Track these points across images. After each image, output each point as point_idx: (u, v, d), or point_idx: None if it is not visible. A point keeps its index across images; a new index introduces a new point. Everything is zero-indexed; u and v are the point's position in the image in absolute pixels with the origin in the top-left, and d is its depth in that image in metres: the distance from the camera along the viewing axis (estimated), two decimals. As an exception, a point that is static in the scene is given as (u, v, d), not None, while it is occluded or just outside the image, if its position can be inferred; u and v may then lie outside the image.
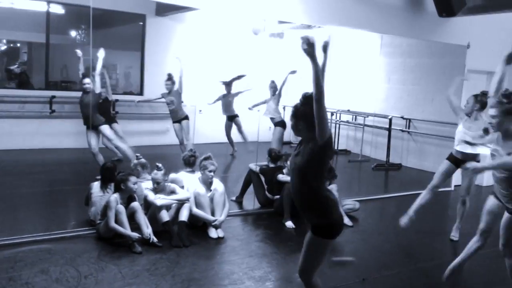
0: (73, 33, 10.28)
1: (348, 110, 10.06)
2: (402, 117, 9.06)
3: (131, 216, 4.33)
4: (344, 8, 5.93)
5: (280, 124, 8.27)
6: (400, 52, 9.30)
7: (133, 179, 4.41)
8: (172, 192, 4.68)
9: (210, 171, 4.83)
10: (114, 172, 4.62)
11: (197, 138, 9.84)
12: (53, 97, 8.24)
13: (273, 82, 8.38)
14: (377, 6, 6.14)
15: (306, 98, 2.61)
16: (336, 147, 10.22)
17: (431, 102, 8.73)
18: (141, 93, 9.47)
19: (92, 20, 5.60)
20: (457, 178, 7.34)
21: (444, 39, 6.97)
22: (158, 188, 4.62)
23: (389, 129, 9.02)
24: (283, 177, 5.50)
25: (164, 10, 8.92)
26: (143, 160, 5.08)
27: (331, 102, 10.33)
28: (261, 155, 6.04)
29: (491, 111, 3.39)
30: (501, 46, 7.88)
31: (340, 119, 10.27)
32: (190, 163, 5.22)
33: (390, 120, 8.99)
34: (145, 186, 4.75)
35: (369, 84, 9.98)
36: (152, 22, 9.34)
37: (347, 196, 6.04)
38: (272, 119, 8.31)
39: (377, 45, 9.74)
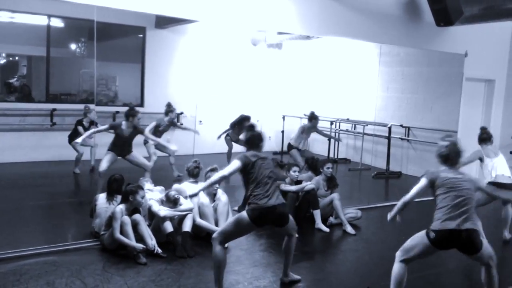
0: (73, 46, 10.36)
1: (348, 119, 10.11)
2: (401, 125, 9.12)
3: (134, 228, 4.35)
4: (342, 19, 6.01)
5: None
6: (399, 61, 9.39)
7: (141, 192, 4.43)
8: (177, 204, 4.70)
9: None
10: (122, 184, 4.64)
11: (197, 149, 9.87)
12: (54, 109, 8.28)
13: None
14: (375, 16, 6.23)
15: None
16: (336, 156, 10.26)
17: (430, 110, 8.80)
18: (141, 105, 9.51)
19: (93, 34, 5.65)
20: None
21: (442, 48, 7.06)
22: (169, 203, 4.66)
23: (388, 138, 9.07)
24: (285, 186, 5.52)
25: (164, 23, 9.00)
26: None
27: (330, 111, 10.42)
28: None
29: None
30: (498, 54, 8.02)
31: (339, 128, 10.32)
32: (194, 174, 5.24)
33: (390, 128, 9.05)
34: (149, 197, 4.77)
35: (368, 93, 10.04)
36: (152, 35, 9.42)
37: (348, 205, 6.07)
38: None
39: (376, 54, 9.83)
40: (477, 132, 5.94)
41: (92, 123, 7.62)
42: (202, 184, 4.96)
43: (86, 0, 4.25)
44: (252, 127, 5.81)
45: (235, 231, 3.68)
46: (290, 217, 3.84)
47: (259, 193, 3.58)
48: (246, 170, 3.65)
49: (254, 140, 3.86)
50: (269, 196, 3.59)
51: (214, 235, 3.69)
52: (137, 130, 6.12)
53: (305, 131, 7.96)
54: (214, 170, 4.92)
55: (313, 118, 7.99)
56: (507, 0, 5.98)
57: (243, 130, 9.19)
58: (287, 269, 4.00)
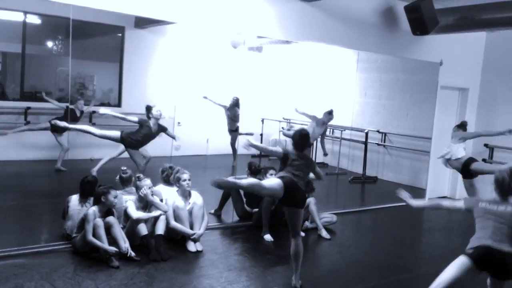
0: (49, 44, 10.17)
1: (326, 124, 10.19)
2: (378, 131, 9.24)
3: (107, 230, 4.28)
4: (321, 25, 6.06)
5: None
6: (376, 67, 9.52)
7: (113, 192, 4.37)
8: (153, 205, 4.65)
9: (185, 180, 4.83)
10: (95, 186, 4.56)
11: (175, 150, 9.80)
12: (28, 108, 8.09)
13: None
14: (354, 23, 6.31)
15: None
16: (314, 160, 10.32)
17: (406, 117, 8.94)
18: (118, 105, 9.39)
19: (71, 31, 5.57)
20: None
21: (418, 56, 7.19)
22: (142, 202, 4.60)
23: (365, 143, 9.18)
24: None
25: (143, 23, 8.92)
26: (127, 174, 5.03)
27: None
28: (241, 168, 6.07)
29: None
30: (472, 63, 8.21)
31: (317, 132, 10.39)
32: (167, 180, 5.22)
33: (367, 134, 9.16)
34: (127, 198, 4.71)
35: (346, 98, 10.15)
36: (131, 34, 9.32)
37: (324, 209, 6.12)
38: None
39: (353, 60, 9.94)
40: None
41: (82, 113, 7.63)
42: (175, 188, 4.96)
43: (62, -1, 4.16)
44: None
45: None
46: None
47: None
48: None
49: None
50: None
51: None
52: (161, 128, 6.46)
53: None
54: (178, 171, 4.91)
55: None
56: (481, 11, 6.13)
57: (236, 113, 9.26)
58: (296, 274, 4.06)
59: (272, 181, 3.74)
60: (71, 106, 7.59)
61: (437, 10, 6.23)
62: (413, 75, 8.81)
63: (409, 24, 6.33)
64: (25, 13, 8.27)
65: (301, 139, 3.99)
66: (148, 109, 6.58)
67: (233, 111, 9.42)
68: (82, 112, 7.74)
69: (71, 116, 7.39)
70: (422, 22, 6.18)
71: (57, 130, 7.20)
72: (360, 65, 9.76)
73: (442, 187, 8.37)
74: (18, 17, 8.29)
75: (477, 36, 7.82)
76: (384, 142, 9.31)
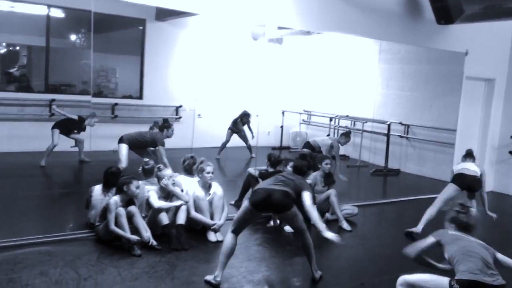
0: (72, 37, 10.32)
1: (347, 116, 10.09)
2: (400, 123, 9.10)
3: (129, 220, 4.34)
4: (343, 15, 5.98)
5: None
6: (399, 58, 9.36)
7: (135, 182, 4.43)
8: (174, 196, 4.69)
9: (208, 172, 4.85)
10: (118, 177, 4.63)
11: (196, 142, 9.87)
12: (53, 100, 8.25)
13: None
14: (376, 13, 6.20)
15: None
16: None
17: (430, 108, 8.78)
18: (140, 97, 9.49)
19: (94, 25, 5.63)
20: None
21: (442, 46, 7.03)
22: (164, 192, 4.65)
23: (387, 135, 9.06)
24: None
25: (164, 15, 8.96)
26: (149, 166, 5.08)
27: (330, 108, 10.41)
28: (260, 159, 6.07)
29: None
30: (499, 53, 7.99)
31: (339, 124, 10.31)
32: (188, 169, 5.26)
33: (389, 125, 9.03)
34: (149, 188, 4.77)
35: (367, 90, 10.03)
36: (152, 27, 9.38)
37: (345, 201, 6.06)
38: None
39: (376, 51, 9.80)
40: (476, 131, 5.97)
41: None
42: (196, 179, 5.00)
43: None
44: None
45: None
46: (295, 213, 3.84)
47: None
48: None
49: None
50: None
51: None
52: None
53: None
54: (202, 162, 4.93)
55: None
56: (508, -1, 5.96)
57: (244, 125, 9.24)
58: (311, 266, 4.00)
59: None
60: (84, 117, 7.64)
61: (462, -2, 6.09)
62: (437, 66, 8.63)
63: (434, 13, 6.21)
64: (49, 6, 8.40)
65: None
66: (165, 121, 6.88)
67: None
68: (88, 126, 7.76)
69: (79, 127, 7.55)
70: (447, 10, 6.05)
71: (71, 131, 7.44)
72: (382, 56, 9.62)
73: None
74: (42, 10, 8.44)
75: (504, 25, 7.59)
76: (407, 134, 9.16)
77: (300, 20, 5.78)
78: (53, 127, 7.41)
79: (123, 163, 6.05)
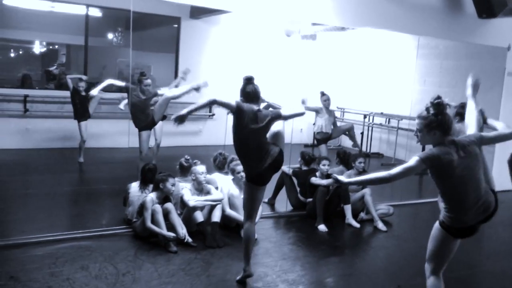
0: (110, 36, 10.56)
1: (382, 113, 9.91)
2: (437, 121, 8.85)
3: (165, 216, 4.42)
4: (378, 10, 5.85)
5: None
6: (437, 53, 9.10)
7: (171, 180, 4.50)
8: (208, 193, 4.74)
9: (239, 172, 4.88)
10: (156, 174, 4.71)
11: (228, 139, 9.90)
12: (91, 98, 8.45)
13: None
14: (414, 7, 6.04)
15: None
16: (368, 150, 10.09)
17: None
18: (175, 94, 9.61)
19: (130, 23, 5.73)
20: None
21: (483, 41, 6.78)
22: (199, 187, 4.70)
23: (424, 133, 8.83)
24: (316, 180, 5.48)
25: (198, 13, 9.04)
26: (188, 163, 5.11)
27: (364, 105, 10.23)
28: (293, 157, 6.03)
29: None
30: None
31: (373, 121, 10.14)
32: (220, 166, 5.30)
33: (425, 123, 8.80)
34: (183, 185, 4.83)
35: (404, 86, 9.81)
36: (187, 25, 9.48)
37: (380, 201, 5.95)
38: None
39: (413, 46, 9.56)
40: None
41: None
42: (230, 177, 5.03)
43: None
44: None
45: None
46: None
47: None
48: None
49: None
50: None
51: None
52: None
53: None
54: (233, 160, 4.95)
55: None
56: (555, -9, 5.69)
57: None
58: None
59: None
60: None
61: (506, -9, 5.85)
62: (477, 61, 8.32)
63: (475, 7, 6.00)
64: (88, 6, 8.62)
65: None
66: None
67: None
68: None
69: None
70: (489, 4, 5.84)
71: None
72: (420, 51, 9.37)
73: (507, 179, 7.89)
74: (81, 10, 8.67)
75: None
76: (445, 132, 8.91)
77: (337, 16, 5.69)
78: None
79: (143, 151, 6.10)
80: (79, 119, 7.47)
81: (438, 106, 2.79)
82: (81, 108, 7.51)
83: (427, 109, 2.83)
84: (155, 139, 7.00)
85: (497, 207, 2.92)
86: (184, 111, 3.44)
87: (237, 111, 3.54)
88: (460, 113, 4.73)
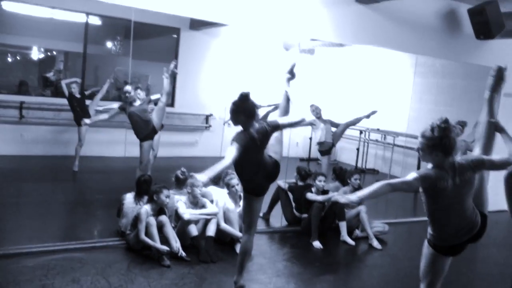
0: (108, 44, 10.57)
1: (378, 129, 9.94)
2: (433, 138, 8.88)
3: (160, 229, 4.37)
4: (378, 28, 5.89)
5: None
6: (433, 72, 9.17)
7: (166, 191, 4.46)
8: (203, 206, 4.71)
9: (233, 186, 4.85)
10: (151, 185, 4.68)
11: (224, 151, 9.88)
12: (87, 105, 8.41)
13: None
14: (412, 27, 6.08)
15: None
16: (364, 166, 10.10)
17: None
18: (172, 104, 9.60)
19: (129, 32, 5.73)
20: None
21: (480, 62, 6.84)
22: (194, 200, 4.66)
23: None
24: (312, 195, 5.46)
25: (198, 25, 9.07)
26: (184, 176, 5.08)
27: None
28: (290, 171, 6.02)
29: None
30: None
31: (369, 137, 10.16)
32: (216, 180, 5.27)
33: (421, 141, 8.82)
34: (178, 198, 4.79)
35: (400, 103, 9.86)
36: (186, 36, 9.51)
37: (375, 218, 5.94)
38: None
39: (409, 64, 9.64)
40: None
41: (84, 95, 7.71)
42: (225, 191, 4.99)
43: (125, 2, 4.29)
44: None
45: None
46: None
47: None
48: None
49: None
50: None
51: None
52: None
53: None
54: (227, 174, 4.93)
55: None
56: (552, 15, 5.76)
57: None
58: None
59: None
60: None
61: (503, 14, 5.90)
62: (474, 81, 8.41)
63: (473, 28, 6.04)
64: (87, 14, 8.62)
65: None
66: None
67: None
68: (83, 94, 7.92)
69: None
70: (487, 26, 5.87)
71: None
72: (417, 69, 9.45)
73: (503, 199, 7.92)
74: (80, 18, 8.67)
75: (546, 41, 7.34)
76: (440, 150, 8.94)
77: (335, 33, 5.72)
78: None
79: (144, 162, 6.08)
80: (80, 122, 7.43)
81: (444, 130, 2.72)
82: (80, 111, 7.50)
83: (432, 130, 2.74)
84: (152, 149, 6.95)
85: (485, 228, 2.92)
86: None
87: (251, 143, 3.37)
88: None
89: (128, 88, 6.08)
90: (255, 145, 3.40)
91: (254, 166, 3.51)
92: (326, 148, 7.32)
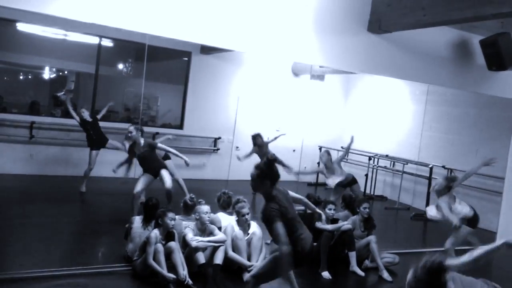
0: (120, 66, 10.68)
1: (387, 156, 9.88)
2: (443, 167, 8.80)
3: (168, 255, 4.31)
4: (389, 58, 5.88)
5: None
6: (444, 100, 9.16)
7: (170, 215, 4.41)
8: (211, 233, 4.64)
9: (244, 215, 4.80)
10: (158, 209, 4.63)
11: (232, 174, 9.87)
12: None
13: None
14: (424, 57, 6.08)
15: None
16: (372, 193, 10.00)
17: (475, 154, 8.46)
18: (180, 127, 9.63)
19: (140, 55, 5.78)
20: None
21: (492, 92, 6.82)
22: (202, 227, 4.60)
23: (429, 178, 8.77)
24: (321, 224, 5.38)
25: (209, 49, 9.16)
26: (192, 202, 5.04)
27: (369, 146, 10.21)
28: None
29: None
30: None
31: (378, 164, 10.09)
32: (224, 206, 5.21)
33: (431, 169, 8.75)
34: (186, 224, 4.73)
35: (410, 131, 9.82)
36: (197, 59, 9.60)
37: (384, 247, 5.82)
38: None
39: (421, 92, 9.64)
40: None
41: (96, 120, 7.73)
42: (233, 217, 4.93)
43: (140, 29, 4.33)
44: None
45: None
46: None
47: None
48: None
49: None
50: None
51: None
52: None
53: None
54: (239, 202, 4.86)
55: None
56: None
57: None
58: None
59: None
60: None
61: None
62: (485, 110, 8.38)
63: (485, 59, 6.03)
64: (101, 37, 8.73)
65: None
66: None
67: None
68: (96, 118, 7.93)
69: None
70: (499, 57, 5.86)
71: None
72: (428, 98, 9.45)
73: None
74: (93, 40, 8.78)
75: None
76: (450, 179, 8.84)
77: (345, 61, 5.72)
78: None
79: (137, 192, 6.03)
80: (93, 147, 7.51)
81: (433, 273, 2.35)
82: (94, 135, 7.54)
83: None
84: (170, 175, 6.46)
85: None
86: None
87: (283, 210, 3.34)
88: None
89: (131, 128, 6.14)
90: (285, 207, 3.34)
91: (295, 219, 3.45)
92: (345, 184, 7.24)
